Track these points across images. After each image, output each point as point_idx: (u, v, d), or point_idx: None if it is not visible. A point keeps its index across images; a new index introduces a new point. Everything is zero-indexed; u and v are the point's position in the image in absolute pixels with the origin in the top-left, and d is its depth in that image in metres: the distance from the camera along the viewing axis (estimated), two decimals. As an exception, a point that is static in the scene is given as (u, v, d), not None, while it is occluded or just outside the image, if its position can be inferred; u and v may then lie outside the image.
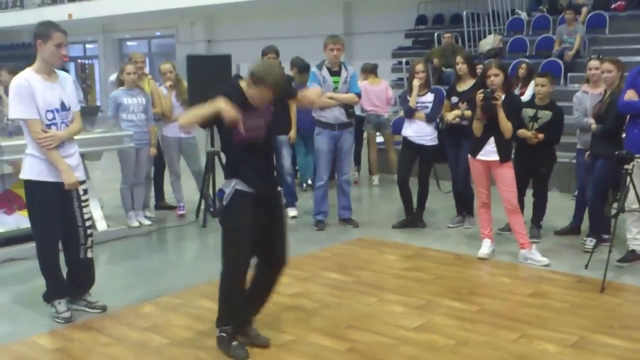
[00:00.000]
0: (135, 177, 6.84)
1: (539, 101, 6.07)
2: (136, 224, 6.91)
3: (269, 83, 3.56)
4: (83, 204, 4.41)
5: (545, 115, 6.00)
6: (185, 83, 7.10)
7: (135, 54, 7.32)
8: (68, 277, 4.50)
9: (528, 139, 5.92)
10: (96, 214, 6.29)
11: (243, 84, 3.69)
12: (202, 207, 7.07)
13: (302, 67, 8.37)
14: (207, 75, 6.89)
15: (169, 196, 7.74)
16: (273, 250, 3.85)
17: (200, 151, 7.42)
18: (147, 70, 7.46)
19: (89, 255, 4.50)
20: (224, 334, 3.83)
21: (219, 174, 7.12)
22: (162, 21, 21.55)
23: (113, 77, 7.12)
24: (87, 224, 4.46)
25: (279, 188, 3.91)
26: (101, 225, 6.39)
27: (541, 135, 5.93)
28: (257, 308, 4.00)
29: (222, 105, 3.51)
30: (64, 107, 4.27)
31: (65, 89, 4.31)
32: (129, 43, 25.20)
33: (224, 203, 3.70)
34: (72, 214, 4.36)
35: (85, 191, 4.44)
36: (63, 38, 4.16)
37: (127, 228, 6.76)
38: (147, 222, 7.03)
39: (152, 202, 7.66)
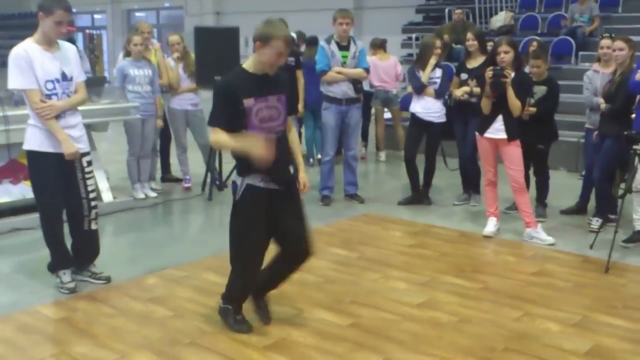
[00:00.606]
0: (142, 149, 6.83)
1: (535, 77, 6.03)
2: (142, 195, 6.91)
3: (279, 35, 3.45)
4: (87, 176, 4.40)
5: (541, 90, 5.99)
6: (192, 55, 7.06)
7: (142, 24, 7.25)
8: (73, 248, 4.52)
9: (522, 115, 5.87)
10: (102, 185, 6.32)
11: (247, 63, 3.60)
12: (208, 180, 7.07)
13: (310, 41, 8.31)
14: (215, 48, 6.86)
15: (175, 169, 7.74)
16: (294, 241, 3.71)
17: (207, 124, 7.37)
18: (155, 42, 7.38)
19: (93, 227, 4.51)
20: (228, 306, 3.83)
21: (225, 147, 7.15)
22: (171, -8, 21.42)
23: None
24: (92, 195, 4.46)
25: (292, 171, 3.76)
26: (107, 196, 6.40)
27: (533, 109, 5.88)
28: (267, 289, 3.94)
29: (255, 149, 3.39)
30: (65, 78, 4.24)
31: (67, 59, 4.28)
32: (137, 14, 25.02)
33: (236, 198, 3.64)
34: (76, 185, 4.35)
35: (90, 163, 4.43)
36: (64, 16, 4.10)
37: (132, 200, 6.77)
38: (153, 194, 7.04)
39: (159, 174, 7.65)
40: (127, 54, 6.77)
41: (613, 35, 6.11)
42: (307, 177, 3.82)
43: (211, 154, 7.06)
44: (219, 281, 4.54)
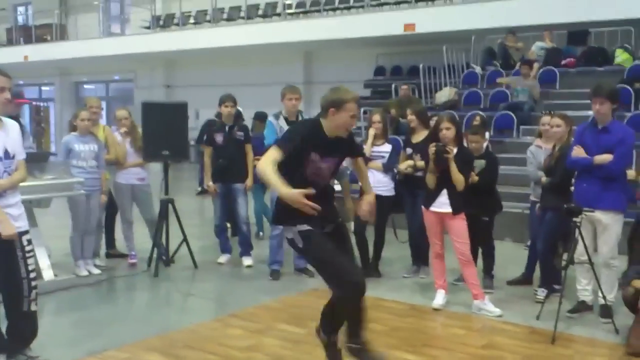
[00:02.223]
0: (86, 224, 6.68)
1: (474, 152, 6.22)
2: (85, 273, 6.72)
3: (351, 98, 3.67)
4: (27, 255, 4.25)
5: (480, 164, 6.16)
6: (140, 130, 7.04)
7: (91, 99, 7.24)
8: (8, 331, 4.31)
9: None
10: (42, 262, 6.12)
11: (323, 122, 3.75)
12: (155, 255, 6.93)
13: (259, 116, 8.47)
14: (163, 123, 6.87)
15: (120, 244, 7.58)
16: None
17: (153, 198, 7.31)
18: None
19: (33, 308, 4.32)
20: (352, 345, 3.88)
21: (173, 221, 7.07)
22: (121, 65, 21.51)
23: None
24: (32, 275, 4.29)
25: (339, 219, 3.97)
26: (48, 274, 6.20)
27: (476, 178, 6.03)
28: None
29: (294, 198, 3.48)
30: (7, 156, 4.16)
31: (9, 136, 4.20)
32: (86, 86, 25.03)
33: (300, 245, 3.75)
34: (16, 265, 4.19)
35: (30, 241, 4.29)
36: (4, 82, 4.07)
37: (75, 277, 6.57)
38: (97, 271, 6.85)
39: (103, 250, 7.48)
40: (73, 128, 6.71)
41: (552, 112, 6.36)
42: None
43: (158, 229, 6.96)
44: (163, 362, 4.42)
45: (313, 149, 3.68)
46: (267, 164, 3.57)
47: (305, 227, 3.70)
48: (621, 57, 11.92)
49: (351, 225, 8.50)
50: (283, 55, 18.04)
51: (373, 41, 15.38)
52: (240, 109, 7.81)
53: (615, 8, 11.71)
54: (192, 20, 19.07)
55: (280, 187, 3.51)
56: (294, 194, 3.47)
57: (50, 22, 22.17)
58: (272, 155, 3.59)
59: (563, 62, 12.55)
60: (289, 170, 3.62)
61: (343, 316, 3.85)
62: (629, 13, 11.66)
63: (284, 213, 3.74)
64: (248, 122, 9.29)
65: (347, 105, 3.64)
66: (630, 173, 5.76)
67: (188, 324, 5.34)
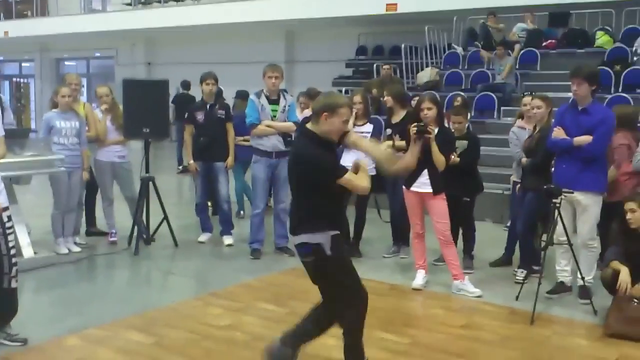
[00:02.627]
0: (67, 202, 6.63)
1: (456, 133, 6.25)
2: (65, 250, 6.68)
3: (344, 103, 3.63)
4: (7, 231, 4.23)
5: (462, 144, 6.19)
6: (121, 107, 6.98)
7: (71, 75, 7.14)
8: (-13, 308, 4.29)
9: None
10: (23, 240, 6.07)
11: (314, 128, 3.63)
12: (135, 234, 6.90)
13: (240, 95, 8.41)
14: (144, 100, 6.81)
15: (100, 222, 7.53)
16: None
17: (134, 176, 7.26)
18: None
19: (13, 285, 4.30)
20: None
21: (153, 200, 7.04)
22: (102, 42, 21.23)
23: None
24: (12, 252, 4.27)
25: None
26: (28, 252, 6.15)
27: (456, 159, 6.05)
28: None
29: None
30: (-15, 133, 4.11)
31: None
32: (66, 63, 24.69)
33: (330, 253, 3.62)
34: (-5, 242, 4.17)
35: (10, 217, 4.26)
36: None
37: (55, 255, 6.53)
38: (77, 249, 6.81)
39: (83, 228, 7.43)
40: (54, 105, 6.62)
41: (533, 93, 6.38)
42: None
43: (138, 207, 6.92)
44: (143, 340, 4.43)
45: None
46: (358, 182, 3.62)
47: (336, 232, 3.67)
48: (602, 39, 11.97)
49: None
50: (265, 34, 17.91)
51: (355, 20, 15.31)
52: (221, 87, 7.75)
53: (597, -10, 11.75)
54: (173, -3, 18.85)
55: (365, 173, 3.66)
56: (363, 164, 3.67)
57: (31, -2, 21.83)
58: (351, 177, 3.60)
59: (544, 43, 12.60)
60: (323, 196, 3.62)
61: (356, 337, 3.83)
62: (610, -5, 11.72)
63: (314, 218, 3.66)
64: (230, 100, 9.26)
65: (341, 110, 3.58)
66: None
67: (168, 302, 5.34)
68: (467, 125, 6.53)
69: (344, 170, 3.61)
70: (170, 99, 13.52)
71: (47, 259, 6.35)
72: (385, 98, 6.60)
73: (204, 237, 7.39)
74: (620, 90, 10.40)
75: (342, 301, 3.73)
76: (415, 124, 5.38)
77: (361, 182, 3.62)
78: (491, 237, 7.23)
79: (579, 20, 13.14)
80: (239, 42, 18.27)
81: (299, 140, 3.85)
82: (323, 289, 3.78)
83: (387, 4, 14.13)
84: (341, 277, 3.71)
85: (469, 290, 5.56)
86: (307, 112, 6.63)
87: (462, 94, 10.33)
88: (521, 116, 6.51)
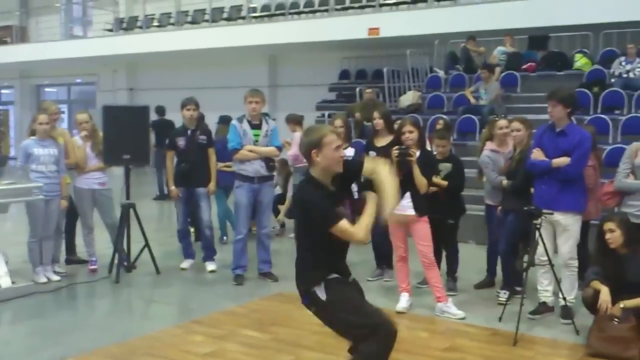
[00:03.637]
0: (44, 230, 6.56)
1: (440, 156, 6.28)
2: (44, 279, 6.59)
3: (325, 131, 3.44)
4: (-17, 261, 4.17)
5: (446, 167, 6.22)
6: (101, 133, 6.95)
7: (48, 103, 7.12)
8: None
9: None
10: (0, 269, 5.98)
11: (315, 173, 3.46)
12: (116, 261, 6.83)
13: (223, 120, 8.43)
14: (124, 126, 6.78)
15: (80, 250, 7.45)
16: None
17: (115, 203, 7.20)
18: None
19: (-11, 315, 4.24)
20: None
21: (134, 227, 6.98)
22: (83, 68, 21.18)
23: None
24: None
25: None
26: (5, 281, 6.08)
27: (444, 182, 6.09)
28: None
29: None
30: (-36, 160, 4.06)
31: None
32: (47, 89, 24.58)
33: (326, 298, 3.44)
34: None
35: (-14, 247, 4.21)
36: None
37: (34, 284, 6.43)
38: (56, 278, 6.73)
39: (63, 256, 7.34)
40: (32, 132, 6.58)
41: (504, 116, 6.41)
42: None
43: (119, 233, 6.86)
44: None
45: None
46: (355, 232, 3.40)
47: (335, 275, 3.51)
48: (580, 61, 12.13)
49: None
50: (248, 59, 17.98)
51: (338, 45, 15.42)
52: (203, 112, 7.74)
53: (574, 13, 11.92)
54: (155, 23, 18.87)
55: (370, 214, 3.44)
56: (371, 204, 3.46)
57: (11, 24, 21.75)
58: (346, 227, 3.37)
59: (524, 66, 12.74)
60: (321, 246, 3.47)
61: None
62: (587, 18, 11.88)
63: (311, 269, 3.53)
64: (212, 126, 9.25)
65: (325, 140, 3.37)
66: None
67: (149, 330, 5.27)
68: (450, 148, 6.56)
69: (339, 217, 3.36)
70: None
71: (25, 288, 6.26)
72: (376, 120, 6.58)
73: (186, 263, 7.33)
74: (599, 111, 10.52)
75: (364, 339, 3.41)
76: (397, 147, 5.41)
77: (358, 232, 3.38)
78: (474, 258, 7.22)
79: (557, 43, 13.32)
80: (222, 67, 18.31)
81: (300, 185, 3.67)
82: (341, 333, 3.55)
83: (369, 29, 14.25)
84: (348, 317, 3.44)
85: (452, 313, 5.55)
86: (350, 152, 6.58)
87: (444, 116, 10.40)
88: (490, 139, 6.50)
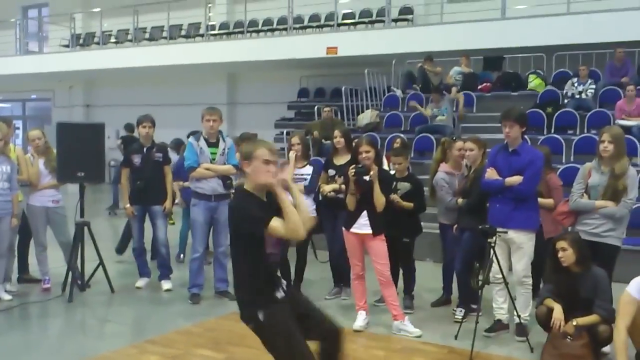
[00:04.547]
0: (-4, 248, 6.41)
1: (398, 174, 6.35)
2: (-5, 299, 6.44)
3: (257, 146, 3.55)
4: None
5: (404, 186, 6.28)
6: (54, 150, 6.83)
7: (1, 125, 6.95)
8: None
9: (396, 204, 6.09)
10: (-52, 289, 5.82)
11: (246, 185, 3.56)
12: (70, 280, 6.70)
13: (175, 144, 8.48)
14: (79, 143, 6.69)
15: (33, 268, 7.28)
16: (323, 327, 3.75)
17: (68, 221, 7.07)
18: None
19: None
20: None
21: (88, 245, 6.86)
22: (38, 84, 20.86)
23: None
24: None
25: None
26: (-46, 301, 5.90)
27: (409, 204, 6.17)
28: None
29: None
30: None
31: None
32: (1, 105, 24.11)
33: (263, 319, 3.51)
34: None
35: None
36: None
37: (-16, 304, 6.29)
38: (8, 297, 6.56)
39: (15, 275, 7.17)
40: (-16, 149, 6.44)
41: (458, 137, 6.52)
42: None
43: (73, 252, 6.73)
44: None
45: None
46: (288, 225, 3.42)
47: (275, 294, 3.58)
48: (534, 82, 12.43)
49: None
50: (206, 76, 17.93)
51: (296, 63, 15.51)
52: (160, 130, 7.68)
53: (527, 35, 12.23)
54: (113, 40, 18.71)
55: (290, 210, 3.44)
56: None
57: (-37, 38, 21.31)
58: (277, 224, 3.42)
59: (479, 86, 12.99)
60: (251, 253, 3.52)
61: None
62: (540, 40, 12.20)
63: (249, 283, 3.57)
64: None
65: (256, 153, 3.50)
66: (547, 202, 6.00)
67: (103, 351, 5.18)
68: (407, 166, 6.62)
69: (269, 217, 3.42)
70: (118, 142, 13.32)
71: (-26, 308, 6.10)
72: (337, 139, 6.62)
73: (141, 282, 7.22)
74: (552, 131, 10.77)
75: None
76: (354, 165, 5.45)
77: (290, 225, 3.40)
78: (431, 276, 7.28)
79: (512, 64, 13.65)
80: (180, 84, 18.23)
81: (234, 195, 3.76)
82: (274, 355, 3.60)
83: (327, 48, 14.38)
84: (277, 343, 3.53)
85: (409, 331, 5.58)
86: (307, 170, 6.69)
87: (402, 135, 10.52)
88: (441, 160, 6.58)
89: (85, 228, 6.81)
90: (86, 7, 20.09)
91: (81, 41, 19.43)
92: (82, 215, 6.85)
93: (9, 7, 21.55)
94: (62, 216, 7.00)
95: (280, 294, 3.60)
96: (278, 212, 3.47)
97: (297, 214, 3.44)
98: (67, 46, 19.45)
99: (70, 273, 6.73)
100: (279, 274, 3.76)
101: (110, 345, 5.35)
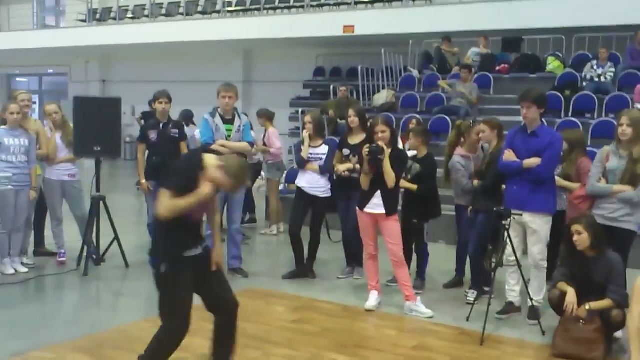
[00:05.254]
0: (14, 221, 6.47)
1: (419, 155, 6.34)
2: (11, 271, 6.52)
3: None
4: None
5: (415, 168, 6.27)
6: (71, 125, 6.86)
7: (20, 93, 6.99)
8: None
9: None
10: (-34, 260, 5.90)
11: (209, 161, 3.79)
12: (85, 254, 6.76)
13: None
14: (95, 118, 6.71)
15: (49, 242, 7.36)
16: (221, 298, 4.06)
17: (84, 195, 7.13)
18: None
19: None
20: None
21: (104, 219, 6.91)
22: (55, 58, 20.92)
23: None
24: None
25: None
26: (-29, 272, 5.99)
27: (413, 186, 6.18)
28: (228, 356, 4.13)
29: (206, 191, 3.72)
30: None
31: None
32: (18, 79, 24.24)
33: (163, 270, 3.80)
34: None
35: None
36: None
37: (1, 275, 6.38)
38: (24, 270, 6.65)
39: (31, 248, 7.25)
40: (3, 122, 6.48)
41: (476, 119, 6.48)
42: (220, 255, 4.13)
43: (88, 226, 6.79)
44: (90, 364, 4.32)
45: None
46: (167, 204, 3.70)
47: (185, 253, 3.84)
48: (552, 64, 12.29)
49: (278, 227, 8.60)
50: (222, 53, 17.90)
51: (313, 41, 15.43)
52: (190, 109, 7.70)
53: (548, 17, 12.08)
54: (129, 15, 18.70)
55: (199, 194, 3.71)
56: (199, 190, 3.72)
57: (-19, 12, 21.42)
58: (162, 196, 3.73)
59: (497, 68, 12.87)
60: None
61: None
62: (560, 22, 12.05)
63: (166, 243, 3.84)
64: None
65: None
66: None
67: (117, 324, 5.24)
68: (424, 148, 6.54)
69: (170, 187, 3.70)
70: (138, 117, 13.33)
71: (-8, 279, 6.18)
72: (352, 118, 6.59)
73: (156, 257, 7.27)
74: (570, 115, 10.67)
75: (163, 321, 3.87)
76: (368, 145, 5.43)
77: (162, 206, 3.70)
78: (444, 258, 7.28)
79: (531, 46, 13.50)
80: (196, 61, 18.21)
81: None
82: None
83: (344, 26, 14.29)
84: (165, 294, 3.84)
85: (421, 312, 5.59)
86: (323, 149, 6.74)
87: (417, 116, 10.46)
88: (456, 144, 6.50)
89: (101, 202, 6.85)
90: (104, -19, 20.08)
91: (98, 16, 19.44)
92: (98, 190, 6.89)
93: (26, -19, 21.61)
94: (78, 190, 7.05)
95: (190, 253, 3.84)
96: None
97: (183, 206, 3.67)
98: (84, 21, 19.48)
99: (85, 247, 6.79)
100: (201, 233, 4.05)
101: (124, 319, 5.41)
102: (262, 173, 9.88)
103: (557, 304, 4.95)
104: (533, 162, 5.22)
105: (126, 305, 6.03)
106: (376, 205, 5.56)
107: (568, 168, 5.99)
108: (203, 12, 17.61)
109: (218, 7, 17.47)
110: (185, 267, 3.82)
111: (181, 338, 3.88)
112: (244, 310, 5.61)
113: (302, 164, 6.66)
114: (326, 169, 6.66)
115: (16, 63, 22.36)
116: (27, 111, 6.85)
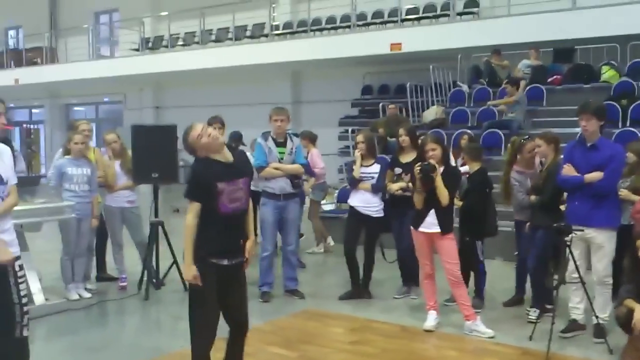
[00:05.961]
0: (77, 248, 6.66)
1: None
2: (76, 296, 6.69)
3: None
4: (19, 280, 4.20)
5: (465, 184, 6.27)
6: (129, 152, 7.04)
7: (81, 123, 7.20)
8: (-1, 358, 4.27)
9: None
10: (33, 287, 6.10)
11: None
12: (145, 279, 6.90)
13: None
14: (152, 145, 6.85)
15: (111, 267, 7.54)
16: (233, 315, 4.17)
17: (143, 221, 7.28)
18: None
19: (25, 333, 4.26)
20: None
21: (163, 244, 7.04)
22: (110, 87, 21.50)
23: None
24: (24, 300, 4.25)
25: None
26: (39, 298, 6.16)
27: (459, 202, 6.17)
28: None
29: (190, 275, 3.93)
30: (1, 181, 4.14)
31: (3, 162, 4.18)
32: (75, 108, 24.99)
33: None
34: (8, 291, 4.14)
35: (22, 267, 4.25)
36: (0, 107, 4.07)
37: (66, 301, 6.53)
38: (87, 295, 6.81)
39: (94, 273, 7.44)
40: (67, 152, 6.70)
41: (529, 137, 6.39)
42: (253, 248, 4.26)
43: (148, 251, 6.93)
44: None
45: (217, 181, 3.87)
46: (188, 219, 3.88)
47: (215, 259, 3.94)
48: (607, 73, 12.01)
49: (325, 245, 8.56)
50: (271, 76, 18.11)
51: (360, 60, 15.47)
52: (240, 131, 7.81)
53: (600, 25, 11.83)
54: (180, 42, 19.12)
55: (187, 260, 3.91)
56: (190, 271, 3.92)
57: (41, 46, 22.15)
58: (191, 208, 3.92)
59: (549, 79, 12.66)
60: (205, 217, 3.90)
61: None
62: (614, 30, 11.79)
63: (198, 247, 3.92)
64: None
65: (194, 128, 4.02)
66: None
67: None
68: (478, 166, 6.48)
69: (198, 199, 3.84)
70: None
71: (57, 305, 6.35)
72: (402, 137, 6.60)
73: (213, 280, 7.35)
74: (627, 124, 10.40)
75: (191, 332, 4.05)
76: (419, 163, 5.41)
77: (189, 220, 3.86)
78: (501, 275, 7.17)
79: (583, 56, 13.21)
80: (245, 84, 18.46)
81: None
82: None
83: (391, 44, 14.29)
84: (192, 307, 4.01)
85: (481, 331, 5.50)
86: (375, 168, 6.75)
87: (469, 131, 10.36)
88: (512, 161, 6.38)
89: (159, 227, 6.99)
90: (155, 11, 20.58)
91: (150, 44, 19.95)
92: (156, 215, 7.04)
93: (82, 14, 22.32)
94: (137, 216, 7.21)
95: (218, 262, 3.92)
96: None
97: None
98: (137, 50, 20.01)
99: (145, 272, 6.93)
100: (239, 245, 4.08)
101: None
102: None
103: (624, 321, 4.79)
104: (595, 176, 5.10)
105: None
106: (431, 224, 5.53)
107: (637, 181, 5.81)
108: (251, 37, 17.88)
109: (266, 31, 17.71)
110: (209, 271, 3.91)
111: (204, 355, 4.04)
112: (303, 332, 5.68)
113: (354, 183, 6.67)
114: (378, 188, 6.66)
115: (74, 93, 23.10)
116: (88, 140, 7.06)
